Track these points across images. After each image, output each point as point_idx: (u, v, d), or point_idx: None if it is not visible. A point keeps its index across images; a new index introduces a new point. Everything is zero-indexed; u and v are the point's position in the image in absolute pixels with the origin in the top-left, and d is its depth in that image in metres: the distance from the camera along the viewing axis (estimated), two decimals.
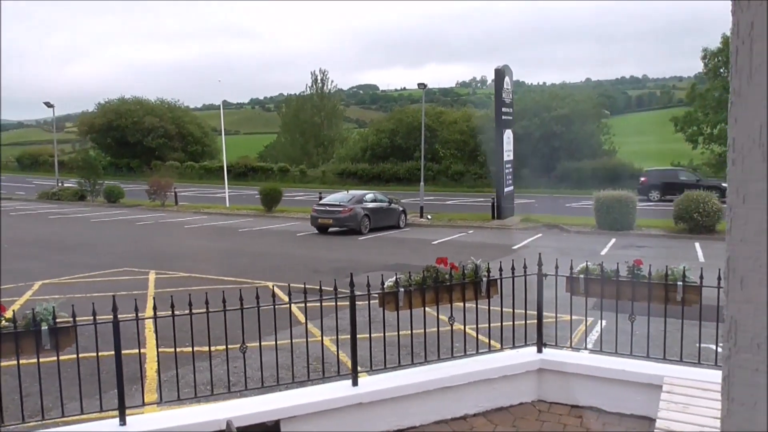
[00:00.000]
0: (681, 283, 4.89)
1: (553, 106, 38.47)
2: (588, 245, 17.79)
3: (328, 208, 21.21)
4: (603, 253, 16.58)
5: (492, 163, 26.82)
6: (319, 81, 53.91)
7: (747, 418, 1.16)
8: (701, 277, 4.84)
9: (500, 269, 5.32)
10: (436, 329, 5.19)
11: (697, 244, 17.86)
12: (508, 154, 23.79)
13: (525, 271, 5.25)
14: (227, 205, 30.32)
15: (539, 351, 5.42)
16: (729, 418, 1.23)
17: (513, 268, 5.30)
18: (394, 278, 5.01)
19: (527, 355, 5.39)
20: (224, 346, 4.97)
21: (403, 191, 36.13)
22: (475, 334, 5.48)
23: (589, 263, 5.33)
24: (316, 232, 21.26)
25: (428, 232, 21.41)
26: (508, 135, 23.68)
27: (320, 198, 23.72)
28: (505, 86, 23.25)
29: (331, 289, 4.99)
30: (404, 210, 23.34)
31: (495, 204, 23.42)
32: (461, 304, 5.25)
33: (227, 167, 34.74)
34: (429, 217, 24.77)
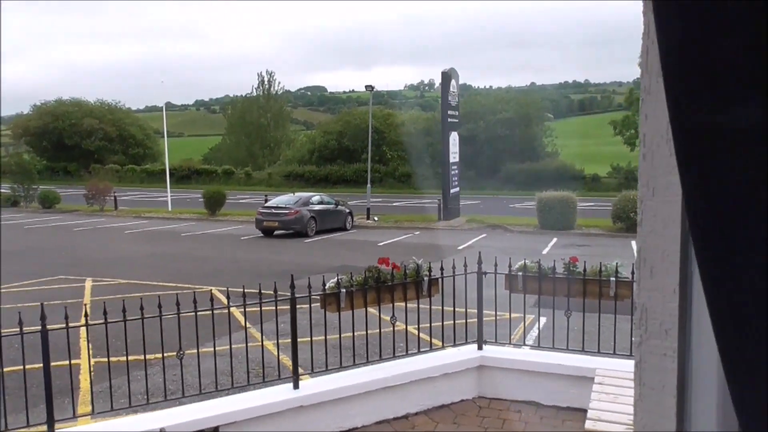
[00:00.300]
0: (614, 278, 5.06)
1: (498, 110, 39.26)
2: (530, 244, 18.20)
3: (273, 211, 20.97)
4: (545, 252, 16.99)
5: (438, 165, 27.16)
6: (265, 82, 53.36)
7: (657, 401, 1.20)
8: (633, 273, 5.02)
9: (441, 268, 5.38)
10: (378, 330, 5.20)
11: (633, 242, 18.52)
12: (454, 156, 24.11)
13: (465, 270, 5.33)
14: (169, 209, 29.58)
15: (479, 348, 5.50)
16: (641, 401, 1.27)
17: (454, 267, 5.36)
18: (335, 279, 5.00)
19: (468, 352, 5.47)
20: (161, 354, 4.83)
21: (351, 193, 36.10)
22: (418, 334, 5.52)
23: (527, 261, 5.45)
24: (261, 235, 20.99)
25: (375, 234, 21.46)
26: (454, 137, 24.00)
27: (266, 200, 23.44)
28: (451, 89, 23.57)
29: (272, 292, 4.93)
30: (351, 212, 23.31)
31: (441, 205, 23.69)
32: (404, 304, 5.28)
33: (170, 170, 33.90)
34: (376, 218, 24.84)
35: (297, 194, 22.95)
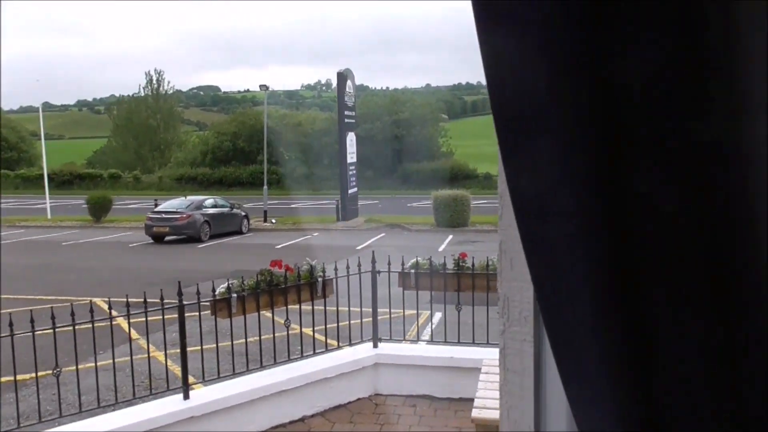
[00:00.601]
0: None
1: (394, 110, 39.90)
2: (428, 242, 18.64)
3: (164, 216, 20.09)
4: (441, 249, 17.48)
5: (337, 166, 27.20)
6: (154, 81, 50.99)
7: (518, 383, 1.26)
8: None
9: (335, 269, 5.38)
10: (272, 334, 5.12)
11: None
12: (352, 157, 24.23)
13: (359, 270, 5.37)
14: (48, 216, 27.56)
15: (375, 346, 5.56)
16: (505, 385, 1.33)
17: (348, 267, 5.38)
18: (226, 284, 4.86)
19: (363, 351, 5.51)
20: (35, 374, 4.48)
21: (247, 196, 35.29)
22: (313, 335, 5.49)
23: (419, 258, 5.57)
24: (152, 241, 20.06)
25: (272, 237, 21.13)
26: (351, 138, 24.11)
27: (156, 205, 22.43)
28: (347, 90, 23.66)
29: (159, 300, 4.71)
30: (247, 215, 22.82)
31: (339, 206, 23.72)
32: (299, 306, 5.23)
33: (50, 175, 31.59)
34: (273, 221, 24.48)
35: (189, 198, 22.15)
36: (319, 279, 5.15)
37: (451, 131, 46.76)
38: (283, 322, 5.11)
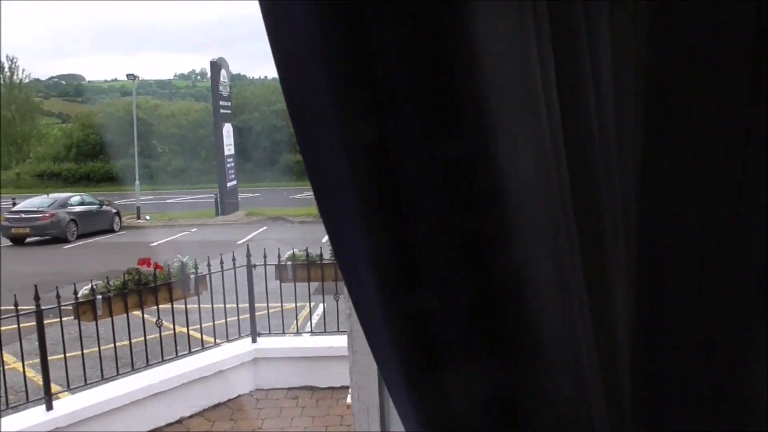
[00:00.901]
0: None
1: (272, 100, 39.16)
2: (312, 234, 18.50)
3: (23, 216, 18.47)
4: (325, 240, 17.49)
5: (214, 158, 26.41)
6: (7, 70, 46.39)
7: (366, 364, 1.33)
8: None
9: (208, 265, 5.26)
10: (143, 335, 4.92)
11: None
12: (229, 149, 23.59)
13: (234, 264, 5.29)
14: None
15: (254, 341, 5.51)
16: (354, 366, 1.40)
17: (222, 263, 5.28)
18: (89, 286, 4.60)
19: (242, 347, 5.45)
20: None
21: (119, 191, 33.24)
22: (188, 334, 5.34)
23: (295, 250, 5.58)
24: (10, 244, 18.40)
25: (147, 234, 20.13)
26: (228, 129, 23.45)
27: (14, 204, 20.58)
28: (221, 79, 22.96)
29: (13, 307, 4.37)
30: (118, 212, 21.57)
31: (218, 200, 23.05)
32: (171, 305, 5.06)
33: None
34: (148, 217, 23.32)
35: (52, 195, 20.57)
36: (191, 276, 5.01)
37: None
38: (155, 321, 4.93)
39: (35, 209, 18.71)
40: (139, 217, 23.25)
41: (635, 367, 0.71)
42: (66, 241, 18.49)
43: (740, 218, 0.69)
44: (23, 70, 48.13)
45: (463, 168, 0.53)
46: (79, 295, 4.50)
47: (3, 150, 44.87)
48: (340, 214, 0.60)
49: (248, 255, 5.38)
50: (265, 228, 20.96)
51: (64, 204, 19.34)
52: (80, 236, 19.11)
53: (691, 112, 0.68)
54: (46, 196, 20.74)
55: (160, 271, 4.89)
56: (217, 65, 22.74)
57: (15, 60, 46.31)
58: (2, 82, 47.55)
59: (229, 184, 23.38)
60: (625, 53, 0.65)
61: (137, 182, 25.37)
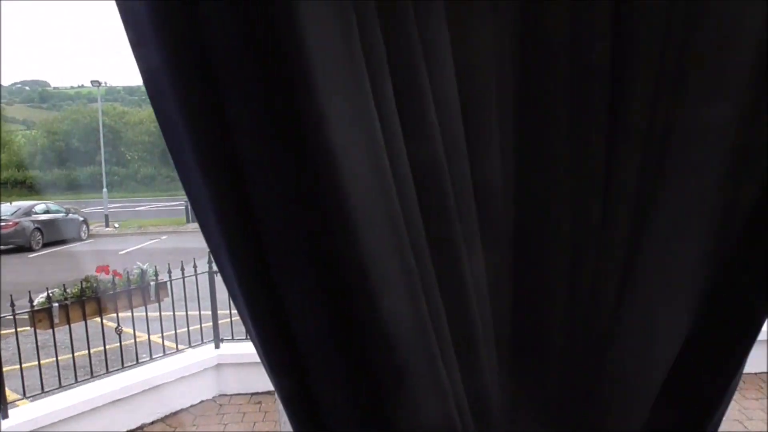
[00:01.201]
0: None
1: None
2: None
3: None
4: None
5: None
6: None
7: None
8: None
9: (169, 271, 5.25)
10: (102, 343, 4.89)
11: None
12: None
13: (195, 271, 5.29)
14: None
15: (216, 347, 5.51)
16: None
17: (182, 269, 5.28)
18: (45, 294, 4.57)
19: (205, 353, 5.44)
20: None
21: (86, 199, 32.70)
22: (149, 341, 5.33)
23: None
24: None
25: (115, 242, 19.86)
26: None
27: None
28: None
29: None
30: (85, 220, 21.22)
31: (188, 207, 22.82)
32: (131, 312, 5.04)
33: None
34: (116, 225, 23.02)
35: (15, 204, 20.13)
36: (152, 283, 5.00)
37: None
38: (115, 329, 4.91)
39: None
40: (107, 225, 22.92)
41: (501, 365, 0.73)
42: (31, 249, 18.14)
43: (607, 214, 0.72)
44: None
45: (304, 166, 0.58)
46: (35, 303, 4.47)
47: None
48: (203, 212, 0.66)
49: (209, 262, 5.38)
50: None
51: (29, 212, 18.97)
52: (46, 245, 18.76)
53: (557, 107, 0.69)
54: (9, 204, 20.30)
55: (119, 278, 4.88)
56: None
57: None
58: None
59: None
60: (480, 44, 0.66)
61: (104, 189, 25.02)
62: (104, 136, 36.65)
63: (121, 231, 22.43)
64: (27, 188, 36.66)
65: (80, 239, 20.43)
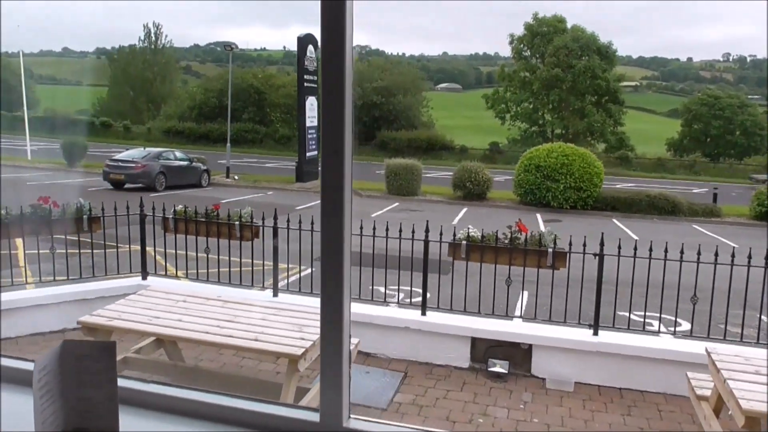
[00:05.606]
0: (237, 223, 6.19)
1: (374, 78, 40.33)
2: (367, 208, 19.46)
3: (120, 164, 21.21)
4: (374, 215, 18.31)
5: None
6: (152, 35, 51.76)
7: None
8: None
9: (102, 208, 6.31)
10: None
11: (464, 209, 20.37)
12: (311, 120, 25.02)
13: (128, 212, 6.32)
14: (29, 158, 28.92)
15: (144, 279, 6.52)
16: None
17: (116, 209, 6.32)
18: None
19: (132, 281, 6.47)
20: None
21: (233, 152, 36.26)
22: (80, 262, 6.47)
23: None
24: (111, 187, 21.18)
25: (226, 192, 22.11)
26: (311, 102, 24.87)
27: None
28: (308, 54, 24.37)
29: None
30: (207, 169, 23.85)
31: (298, 168, 24.63)
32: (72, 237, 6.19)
33: (48, 119, 32.98)
34: (236, 177, 25.47)
35: (148, 149, 23.22)
36: (84, 216, 6.09)
37: (454, 101, 46.98)
38: (49, 250, 6.08)
39: (130, 159, 21.37)
40: (227, 176, 25.46)
41: None
42: (154, 190, 20.91)
43: None
44: (166, 36, 53.22)
45: None
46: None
47: (143, 107, 50.36)
48: None
49: (141, 206, 6.36)
50: None
51: (157, 157, 21.83)
52: (168, 187, 21.49)
53: None
54: (142, 149, 23.45)
55: (56, 208, 6.01)
56: (304, 41, 24.17)
57: (160, 26, 51.36)
58: (148, 47, 52.60)
59: (308, 154, 24.85)
60: None
61: (228, 144, 27.79)
62: (250, 96, 40.08)
63: (238, 183, 24.80)
64: (184, 137, 41.30)
65: (200, 186, 23.06)
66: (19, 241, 7.02)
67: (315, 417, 1.49)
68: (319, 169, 1.42)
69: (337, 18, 1.28)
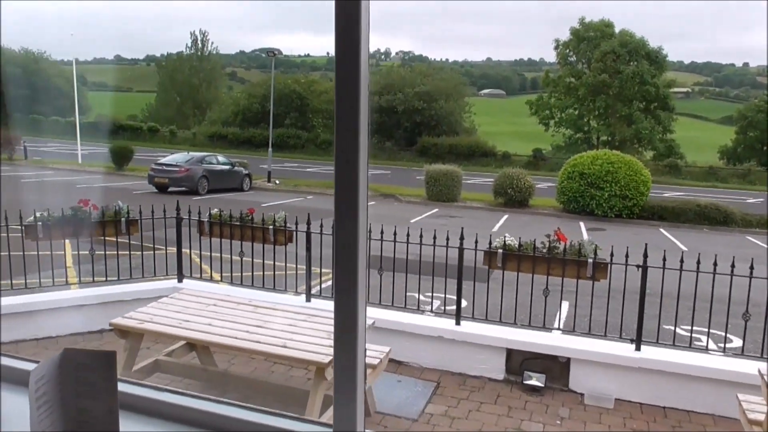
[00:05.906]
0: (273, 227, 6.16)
1: (416, 83, 40.24)
2: (406, 213, 19.36)
3: (164, 168, 21.66)
4: (413, 220, 18.20)
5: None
6: (198, 42, 53.00)
7: None
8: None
9: (140, 211, 6.38)
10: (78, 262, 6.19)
11: (505, 216, 20.05)
12: None
13: (165, 214, 6.36)
14: (80, 161, 29.89)
15: (179, 282, 6.56)
16: None
17: (153, 212, 6.38)
18: (34, 214, 5.95)
19: (168, 283, 6.53)
20: None
21: (274, 157, 36.77)
22: (117, 265, 6.56)
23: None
24: (156, 191, 21.66)
25: (268, 196, 22.34)
26: None
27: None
28: None
29: None
30: (249, 174, 24.16)
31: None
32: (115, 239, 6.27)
33: (99, 125, 34.09)
34: (277, 182, 25.73)
35: (191, 153, 23.67)
36: (123, 219, 6.16)
37: (496, 108, 46.66)
38: (88, 251, 6.18)
39: (174, 163, 21.81)
40: (269, 181, 25.74)
41: None
42: (197, 193, 21.29)
43: None
44: (212, 43, 54.51)
45: None
46: (25, 221, 5.87)
47: (189, 112, 51.58)
48: None
49: (177, 209, 6.41)
50: (372, 203, 22.06)
51: (200, 162, 22.23)
52: (211, 191, 21.86)
53: None
54: (186, 153, 23.91)
55: (96, 210, 6.11)
56: None
57: (206, 34, 52.61)
58: (194, 54, 53.75)
59: None
60: None
61: (270, 149, 28.07)
62: (292, 102, 40.52)
63: (279, 187, 25.05)
64: (228, 142, 42.07)
65: (242, 190, 23.38)
66: (67, 243, 7.17)
67: None
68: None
69: (351, 19, 1.19)
